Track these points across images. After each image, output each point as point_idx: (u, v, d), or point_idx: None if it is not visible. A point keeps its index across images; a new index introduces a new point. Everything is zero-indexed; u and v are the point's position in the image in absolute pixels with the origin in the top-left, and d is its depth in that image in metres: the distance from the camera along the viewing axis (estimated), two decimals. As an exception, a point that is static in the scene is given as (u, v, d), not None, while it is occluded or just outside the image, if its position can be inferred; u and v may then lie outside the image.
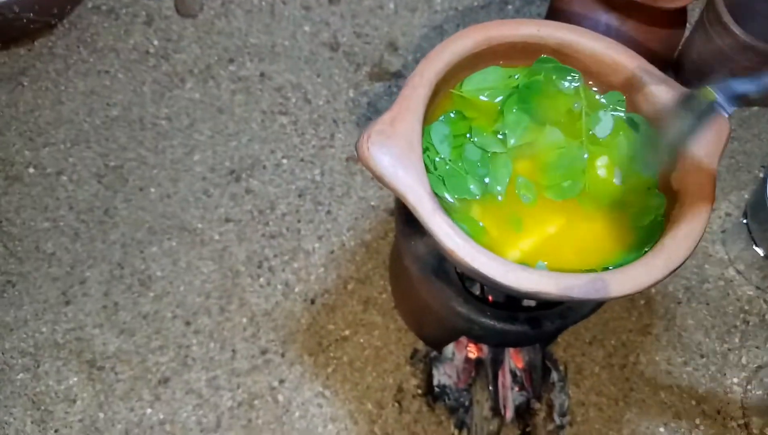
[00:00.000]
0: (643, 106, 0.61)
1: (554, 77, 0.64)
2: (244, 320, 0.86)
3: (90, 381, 0.82)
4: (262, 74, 1.04)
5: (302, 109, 1.01)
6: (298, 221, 0.92)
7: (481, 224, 0.57)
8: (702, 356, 0.88)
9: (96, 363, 0.82)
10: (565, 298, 0.50)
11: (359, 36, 1.08)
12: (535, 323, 0.64)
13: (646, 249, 0.55)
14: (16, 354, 0.83)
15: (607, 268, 0.55)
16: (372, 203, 0.95)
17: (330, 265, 0.90)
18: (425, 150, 0.58)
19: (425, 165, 0.54)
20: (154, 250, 0.89)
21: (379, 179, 0.53)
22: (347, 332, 0.86)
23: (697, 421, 0.85)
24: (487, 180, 0.58)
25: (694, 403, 0.86)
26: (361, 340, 0.85)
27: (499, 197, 0.58)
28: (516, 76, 0.64)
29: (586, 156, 0.61)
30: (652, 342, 0.89)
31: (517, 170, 0.60)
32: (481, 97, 0.64)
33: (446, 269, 0.64)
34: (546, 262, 0.55)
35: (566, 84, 0.64)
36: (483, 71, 0.64)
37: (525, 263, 0.55)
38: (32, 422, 0.79)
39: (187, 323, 0.85)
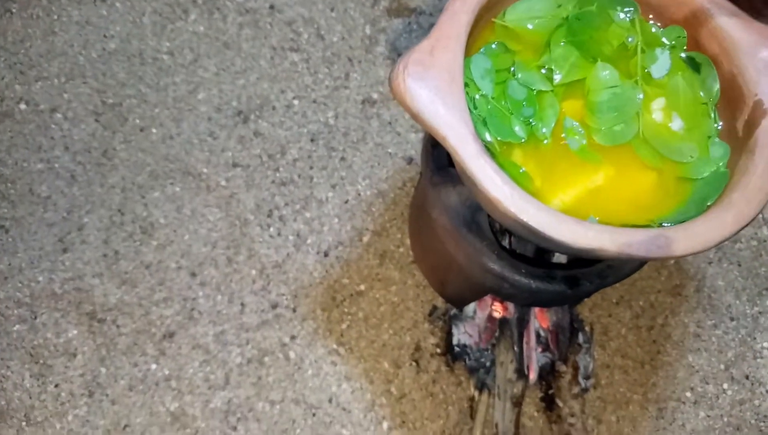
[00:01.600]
0: (708, 44, 0.54)
1: (608, 8, 0.56)
2: (253, 272, 0.81)
3: (90, 334, 0.77)
4: (271, 6, 0.96)
5: (315, 45, 0.94)
6: (311, 168, 0.86)
7: (523, 170, 0.51)
8: (732, 319, 0.84)
9: (96, 315, 0.78)
10: (623, 255, 0.44)
11: (376, -32, 1.00)
12: (572, 282, 0.59)
13: (709, 203, 0.49)
14: (11, 304, 0.78)
15: (660, 223, 0.50)
16: (389, 150, 0.88)
17: (344, 215, 0.84)
18: (464, 86, 0.52)
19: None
20: (156, 196, 0.83)
21: (415, 117, 0.47)
22: (362, 287, 0.81)
23: (725, 386, 0.81)
24: (532, 121, 0.52)
25: (722, 367, 0.82)
26: (377, 296, 0.80)
27: (545, 141, 0.52)
28: (565, 6, 0.57)
29: (640, 97, 0.54)
30: (681, 303, 0.84)
31: (564, 111, 0.54)
32: (528, 26, 0.57)
33: (479, 221, 0.59)
34: (597, 217, 0.50)
35: (621, 15, 0.57)
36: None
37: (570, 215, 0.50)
38: (31, 376, 0.75)
39: (193, 274, 0.80)
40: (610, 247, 0.44)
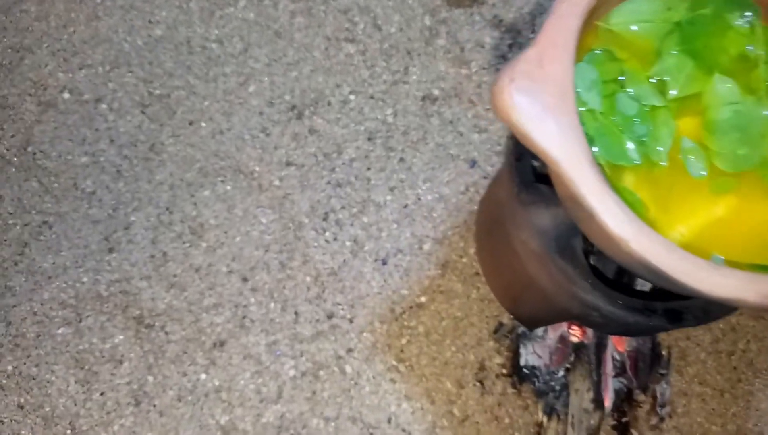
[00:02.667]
0: None
1: (724, 11, 0.50)
2: (308, 279, 0.76)
3: (138, 340, 0.73)
4: (326, -7, 0.90)
5: (371, 36, 0.88)
6: (368, 169, 0.81)
7: (637, 197, 0.45)
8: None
9: (144, 320, 0.74)
10: (764, 307, 0.38)
11: (437, -48, 0.93)
12: (674, 317, 0.53)
13: None
14: (56, 305, 0.74)
15: (793, 263, 0.44)
16: (451, 151, 0.82)
17: (403, 221, 0.79)
18: (569, 99, 0.46)
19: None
20: (206, 194, 0.79)
21: (522, 136, 0.41)
22: (423, 299, 0.76)
23: (813, 420, 0.75)
24: (646, 141, 0.46)
25: (809, 397, 0.76)
26: (439, 309, 0.75)
27: (662, 163, 0.46)
28: (676, 9, 0.50)
29: (766, 114, 0.48)
30: (765, 327, 0.78)
31: (681, 130, 0.47)
32: (633, 28, 0.50)
33: (574, 247, 0.53)
34: (722, 256, 0.44)
35: (740, 21, 0.50)
36: (635, 0, 0.50)
37: (688, 252, 0.44)
38: (76, 382, 0.72)
39: (244, 279, 0.76)
40: (753, 299, 0.38)
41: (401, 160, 0.82)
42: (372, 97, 0.84)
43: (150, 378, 0.72)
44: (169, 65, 0.85)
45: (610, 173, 0.45)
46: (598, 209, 0.39)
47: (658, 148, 0.46)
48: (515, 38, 0.90)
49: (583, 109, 0.46)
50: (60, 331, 0.73)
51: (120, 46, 0.86)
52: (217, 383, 0.72)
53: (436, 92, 0.85)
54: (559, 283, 0.54)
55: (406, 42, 0.88)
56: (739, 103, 0.48)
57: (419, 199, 0.80)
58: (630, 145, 0.45)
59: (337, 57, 0.87)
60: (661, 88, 0.48)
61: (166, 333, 0.73)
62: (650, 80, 0.48)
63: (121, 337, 0.73)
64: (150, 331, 0.74)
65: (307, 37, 0.87)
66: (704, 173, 0.46)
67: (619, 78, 0.48)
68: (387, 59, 0.87)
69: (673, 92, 0.47)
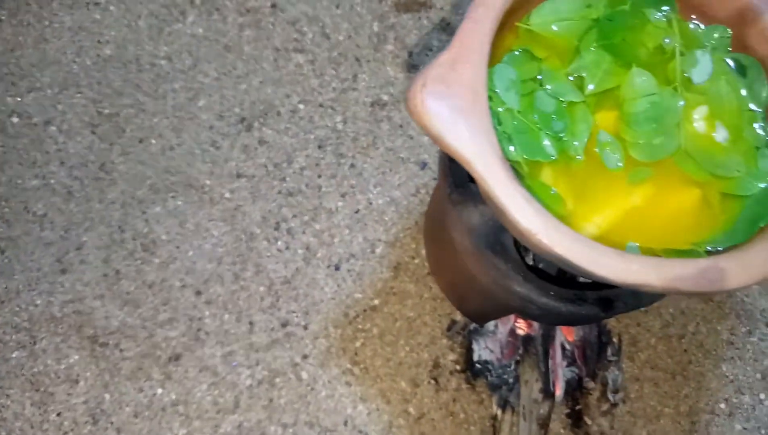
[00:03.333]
0: (756, 45, 0.49)
1: (643, 6, 0.51)
2: (262, 289, 0.77)
3: (93, 359, 0.74)
4: (273, 5, 0.91)
5: (320, 45, 0.89)
6: (319, 176, 0.82)
7: (554, 191, 0.47)
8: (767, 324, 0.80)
9: (98, 339, 0.74)
10: (671, 290, 0.40)
11: (382, -40, 0.94)
12: (606, 305, 0.55)
13: (761, 224, 0.45)
14: (9, 329, 0.74)
15: (706, 247, 0.45)
16: (401, 155, 0.84)
17: (355, 226, 0.80)
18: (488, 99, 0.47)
19: (489, 118, 0.43)
20: (157, 211, 0.79)
21: (435, 140, 0.43)
22: (376, 301, 0.77)
23: (762, 396, 0.77)
24: (563, 136, 0.48)
25: (758, 376, 0.78)
26: (392, 311, 0.76)
27: (578, 157, 0.47)
28: (596, 6, 0.52)
29: (681, 105, 0.50)
30: (713, 310, 0.80)
31: (598, 124, 0.49)
32: (553, 28, 0.52)
33: (503, 242, 0.55)
34: (637, 243, 0.45)
35: (658, 15, 0.52)
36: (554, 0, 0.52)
37: (606, 241, 0.46)
38: (32, 404, 0.72)
39: (198, 293, 0.76)
40: (656, 283, 0.39)
41: (352, 166, 0.83)
42: (321, 106, 0.86)
43: (107, 396, 0.72)
44: (118, 84, 0.85)
45: (528, 170, 0.46)
46: (508, 205, 0.40)
47: (574, 143, 0.47)
48: (461, 41, 0.92)
49: (501, 108, 0.48)
50: (14, 355, 0.73)
51: (69, 67, 0.86)
52: (174, 397, 0.72)
53: (385, 97, 0.86)
54: (494, 279, 0.56)
55: (354, 49, 0.89)
56: (655, 95, 0.49)
57: (370, 203, 0.81)
58: (546, 142, 0.47)
59: (287, 67, 0.88)
60: (580, 84, 0.49)
61: (121, 350, 0.74)
62: (569, 77, 0.50)
63: (76, 356, 0.73)
64: (105, 349, 0.74)
65: (257, 49, 0.88)
66: (621, 165, 0.47)
67: (538, 76, 0.50)
68: (336, 67, 0.88)
69: (590, 87, 0.49)
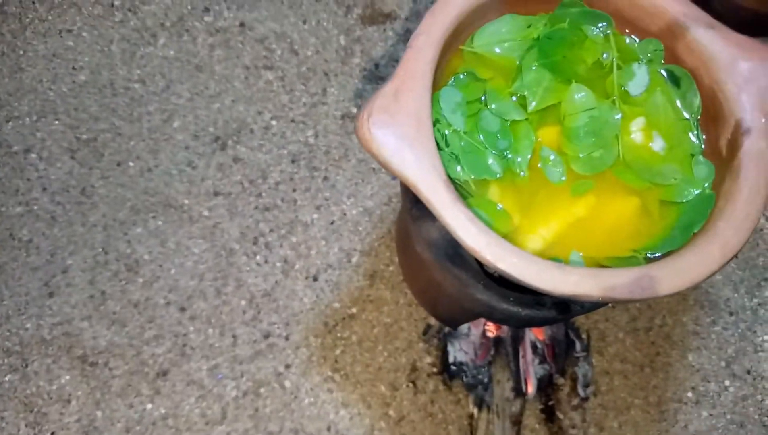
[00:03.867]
0: (686, 58, 0.52)
1: (581, 24, 0.54)
2: (243, 302, 0.80)
3: (83, 378, 0.77)
4: (241, 24, 0.93)
5: (289, 62, 0.91)
6: (294, 190, 0.85)
7: (500, 207, 0.49)
8: (731, 313, 0.83)
9: (88, 359, 0.77)
10: (608, 299, 0.43)
11: (348, -27, 0.97)
12: (563, 308, 0.58)
13: (695, 230, 0.47)
14: (1, 353, 0.77)
15: (646, 253, 0.48)
16: (373, 166, 0.86)
17: (331, 237, 0.83)
18: (435, 122, 0.50)
19: (435, 141, 0.46)
20: (138, 231, 0.82)
21: (384, 166, 0.45)
22: (354, 310, 0.80)
23: (727, 383, 0.80)
24: (508, 154, 0.50)
25: (723, 364, 0.81)
26: (370, 318, 0.80)
27: (522, 173, 0.50)
28: (536, 25, 0.54)
29: (618, 117, 0.52)
30: (678, 301, 0.83)
31: (541, 140, 0.52)
32: (496, 50, 0.54)
33: (462, 254, 0.57)
34: (581, 252, 0.48)
35: (595, 31, 0.54)
36: (496, 21, 0.54)
37: (551, 252, 0.49)
38: (26, 425, 0.75)
39: (182, 309, 0.79)
40: (593, 292, 0.42)
41: (325, 178, 0.86)
42: (293, 121, 0.88)
43: (98, 413, 0.75)
44: (94, 109, 0.88)
45: (476, 188, 0.49)
46: (453, 225, 0.43)
47: (518, 160, 0.50)
48: (428, 50, 0.94)
49: (448, 131, 0.50)
50: (7, 378, 0.76)
51: (45, 95, 0.88)
52: (163, 411, 0.75)
53: (354, 110, 0.89)
54: (457, 288, 0.58)
55: (323, 64, 0.92)
56: (594, 109, 0.52)
57: (345, 214, 0.84)
58: (492, 160, 0.50)
59: (257, 85, 0.90)
60: (522, 102, 0.52)
61: (110, 369, 0.77)
62: (512, 96, 0.52)
63: (68, 377, 0.76)
64: (95, 368, 0.77)
65: (227, 68, 0.91)
66: (563, 178, 0.50)
67: (482, 97, 0.52)
68: (305, 82, 0.91)
69: (532, 105, 0.52)
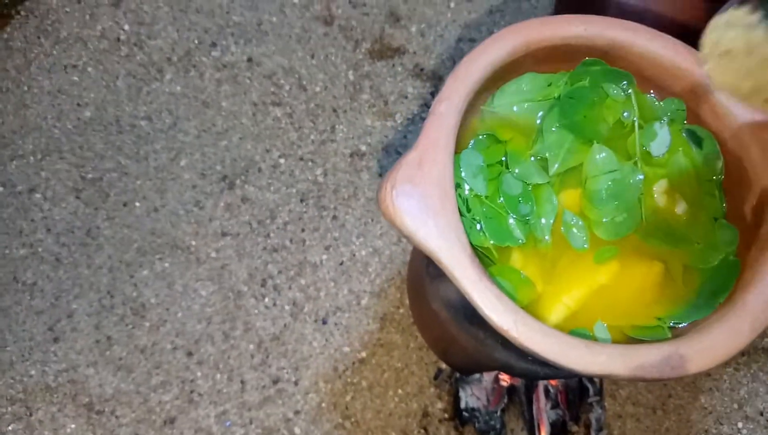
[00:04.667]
0: (709, 119, 0.51)
1: (602, 82, 0.54)
2: (251, 347, 0.79)
3: (90, 426, 0.75)
4: (249, 59, 0.92)
5: (297, 98, 0.91)
6: (302, 230, 0.84)
7: (523, 275, 0.49)
8: (743, 354, 0.83)
9: (94, 407, 0.76)
10: (637, 379, 0.42)
11: (355, 6, 0.96)
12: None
13: (720, 299, 0.47)
14: (4, 402, 0.76)
15: (670, 321, 0.48)
16: (382, 204, 0.85)
17: (340, 278, 0.82)
18: (455, 187, 0.49)
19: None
20: (145, 274, 0.81)
21: (408, 238, 0.45)
22: (364, 354, 0.79)
23: (740, 425, 0.80)
24: (530, 219, 0.50)
25: (735, 406, 0.81)
26: (380, 362, 0.79)
27: (546, 238, 0.49)
28: (556, 84, 0.54)
29: (641, 178, 0.52)
30: (690, 342, 0.83)
31: (563, 203, 0.51)
32: (515, 109, 0.54)
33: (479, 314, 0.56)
34: (605, 322, 0.48)
35: (616, 90, 0.54)
36: (517, 80, 0.54)
37: (575, 321, 0.48)
38: (31, 476, 0.74)
39: (189, 354, 0.78)
40: (622, 372, 0.42)
41: (334, 217, 0.85)
42: (302, 159, 0.87)
43: (105, 463, 0.74)
44: (99, 147, 0.87)
45: (497, 255, 0.49)
46: (479, 303, 0.42)
47: (541, 225, 0.49)
48: (437, 85, 0.93)
49: (470, 195, 0.50)
50: (11, 428, 0.75)
51: (50, 132, 0.87)
52: (170, 461, 0.74)
53: (363, 148, 0.88)
54: (474, 345, 0.58)
55: (331, 100, 0.91)
56: (616, 171, 0.51)
57: (354, 255, 0.83)
58: (514, 226, 0.49)
59: (265, 122, 0.89)
60: (543, 164, 0.51)
61: (117, 417, 0.75)
62: (532, 158, 0.52)
63: (73, 425, 0.75)
64: (101, 416, 0.75)
65: (235, 104, 0.90)
66: (586, 246, 0.49)
67: (503, 158, 0.51)
68: (314, 119, 0.90)
69: (554, 167, 0.51)
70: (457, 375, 0.77)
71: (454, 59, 0.95)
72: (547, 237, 0.49)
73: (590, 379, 0.78)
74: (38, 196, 0.84)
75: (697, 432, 0.79)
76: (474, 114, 0.52)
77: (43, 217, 0.83)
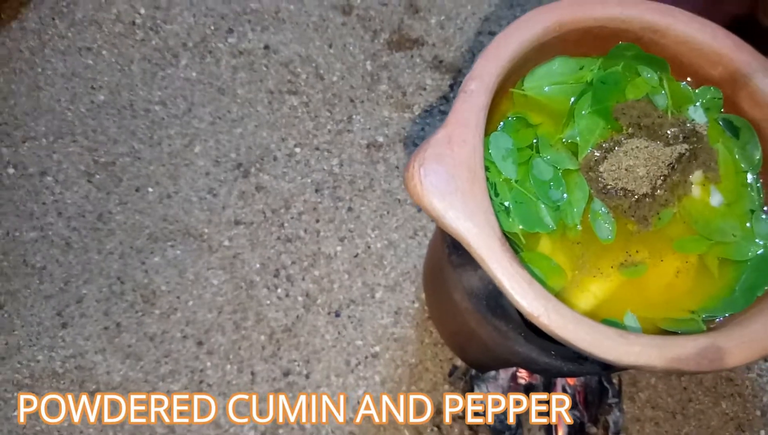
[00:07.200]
0: (748, 108, 0.50)
1: (635, 68, 0.52)
2: (263, 338, 0.77)
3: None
4: (266, 46, 0.91)
5: (314, 87, 0.89)
6: (317, 221, 0.82)
7: (554, 263, 0.47)
8: (766, 360, 0.80)
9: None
10: (673, 371, 0.40)
11: (374, -3, 0.95)
12: (606, 363, 0.55)
13: (759, 293, 0.45)
14: (11, 387, 0.74)
15: (704, 314, 0.46)
16: (398, 197, 0.84)
17: (354, 270, 0.80)
18: (485, 169, 0.47)
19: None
20: (156, 260, 0.79)
21: (435, 220, 0.43)
22: (377, 348, 0.77)
23: (762, 433, 0.78)
24: (560, 205, 0.48)
25: (758, 413, 0.78)
26: (394, 357, 0.77)
27: (578, 226, 0.48)
28: (588, 67, 0.52)
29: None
30: (712, 345, 0.80)
31: (592, 192, 0.49)
32: (546, 90, 0.52)
33: (504, 305, 0.55)
34: (635, 313, 0.46)
35: (649, 75, 0.52)
36: (548, 63, 0.52)
37: (604, 311, 0.46)
38: (35, 463, 0.72)
39: (200, 343, 0.76)
40: (657, 363, 0.40)
41: (349, 209, 0.83)
42: (317, 149, 0.86)
43: (110, 452, 0.72)
44: (113, 131, 0.85)
45: (526, 241, 0.47)
46: (510, 288, 0.40)
47: (572, 212, 0.48)
48: (456, 78, 0.92)
49: (499, 179, 0.48)
50: (16, 414, 0.73)
51: (63, 115, 0.86)
52: (177, 451, 0.72)
53: (380, 139, 0.87)
54: (495, 338, 0.56)
55: (348, 90, 0.89)
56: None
57: (369, 247, 0.81)
58: (545, 212, 0.47)
59: (281, 110, 0.88)
60: (573, 149, 0.49)
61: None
62: (563, 141, 0.50)
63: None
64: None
65: (251, 92, 0.89)
66: (611, 237, 0.47)
67: (534, 141, 0.50)
68: (331, 108, 0.88)
69: (585, 153, 0.49)
70: (473, 372, 0.75)
71: (473, 52, 0.93)
72: (578, 224, 0.47)
73: (610, 380, 0.75)
74: (50, 178, 0.82)
75: (718, 438, 0.77)
76: (503, 96, 0.51)
77: (54, 201, 0.81)
